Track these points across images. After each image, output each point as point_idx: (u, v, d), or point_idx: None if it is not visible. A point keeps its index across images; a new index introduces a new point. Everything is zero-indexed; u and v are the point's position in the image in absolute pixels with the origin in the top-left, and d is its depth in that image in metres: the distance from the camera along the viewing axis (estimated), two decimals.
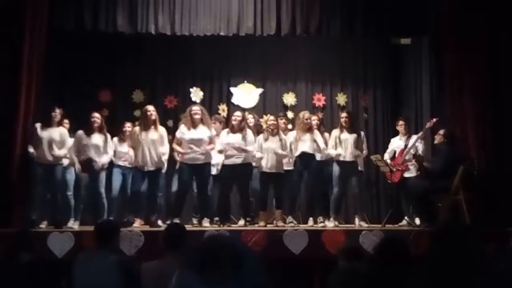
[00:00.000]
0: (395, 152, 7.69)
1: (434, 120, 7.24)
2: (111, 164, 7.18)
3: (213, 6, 7.79)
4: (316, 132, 7.24)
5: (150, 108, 7.10)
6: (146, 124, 6.97)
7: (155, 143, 6.93)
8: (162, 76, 9.40)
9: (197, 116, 6.92)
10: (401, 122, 7.81)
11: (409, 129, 7.79)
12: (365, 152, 7.53)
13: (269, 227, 6.96)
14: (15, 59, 7.03)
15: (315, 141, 7.13)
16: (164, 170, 7.25)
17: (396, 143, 7.75)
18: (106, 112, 8.81)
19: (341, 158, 7.17)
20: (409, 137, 7.54)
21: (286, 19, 7.84)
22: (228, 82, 9.50)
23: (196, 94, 9.36)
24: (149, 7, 7.69)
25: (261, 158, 7.16)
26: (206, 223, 6.88)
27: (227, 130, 7.20)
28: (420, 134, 7.45)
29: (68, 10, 7.62)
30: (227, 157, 7.07)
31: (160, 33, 7.80)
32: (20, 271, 3.94)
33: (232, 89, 9.46)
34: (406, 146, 7.39)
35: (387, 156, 7.78)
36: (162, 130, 7.11)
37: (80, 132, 6.90)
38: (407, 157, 7.31)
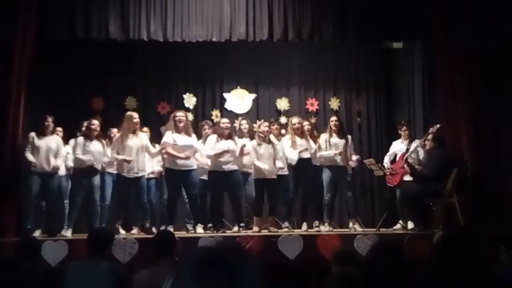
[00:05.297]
0: (395, 155, 7.69)
1: (437, 126, 7.21)
2: (102, 172, 7.16)
3: (205, 12, 7.79)
4: (308, 137, 7.26)
5: (135, 115, 7.07)
6: (128, 131, 6.93)
7: (141, 149, 6.90)
8: (154, 83, 9.39)
9: (182, 124, 6.92)
10: (404, 128, 7.83)
11: (411, 134, 7.80)
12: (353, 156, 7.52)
13: (264, 232, 6.95)
14: (5, 68, 6.99)
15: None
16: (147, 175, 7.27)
17: (398, 146, 7.76)
18: (99, 120, 8.77)
19: (337, 158, 7.16)
20: (411, 141, 7.55)
21: (278, 25, 7.85)
22: (221, 87, 9.51)
23: (189, 100, 9.35)
24: (141, 14, 7.68)
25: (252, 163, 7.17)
26: (200, 229, 6.86)
27: (215, 136, 7.15)
28: (422, 139, 7.43)
29: (59, 18, 7.59)
30: (219, 163, 7.02)
31: (152, 40, 7.79)
32: (22, 281, 3.89)
33: (225, 95, 9.46)
34: (407, 150, 7.39)
35: (387, 159, 7.79)
36: (143, 136, 7.08)
37: (81, 138, 6.91)
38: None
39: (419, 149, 7.32)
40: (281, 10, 7.85)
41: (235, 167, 7.05)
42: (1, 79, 6.97)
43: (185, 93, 9.37)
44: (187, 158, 6.83)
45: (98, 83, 9.18)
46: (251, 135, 7.65)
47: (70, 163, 7.10)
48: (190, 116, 8.66)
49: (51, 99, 8.76)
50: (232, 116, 9.02)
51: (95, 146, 6.89)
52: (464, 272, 2.05)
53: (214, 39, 7.85)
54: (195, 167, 7.00)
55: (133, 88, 9.29)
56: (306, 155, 7.22)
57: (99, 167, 6.91)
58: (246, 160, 7.22)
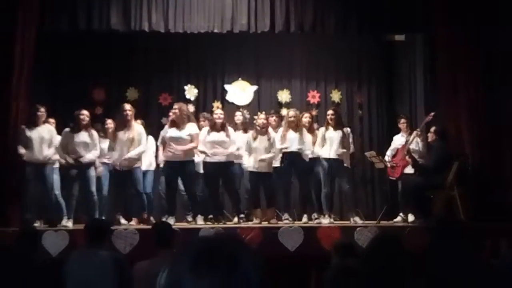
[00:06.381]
0: (397, 150, 7.69)
1: (432, 114, 7.23)
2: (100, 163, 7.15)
3: (207, 3, 7.76)
4: (304, 131, 7.21)
5: (126, 107, 6.99)
6: (122, 123, 6.90)
7: (130, 142, 6.83)
8: (156, 74, 9.37)
9: (174, 116, 6.90)
10: (402, 120, 7.82)
11: (410, 127, 7.79)
12: (351, 148, 7.49)
13: (264, 224, 6.95)
14: (6, 60, 6.97)
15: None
16: (143, 167, 7.23)
17: (399, 141, 7.75)
18: (100, 111, 8.78)
19: (325, 156, 7.14)
20: (410, 134, 7.55)
21: (280, 16, 7.82)
22: (223, 79, 9.50)
23: (191, 91, 9.34)
24: (143, 5, 7.65)
25: (240, 155, 7.15)
26: (200, 220, 6.87)
27: (207, 128, 7.13)
28: (417, 130, 7.45)
29: (61, 10, 7.56)
30: (210, 155, 6.99)
31: (154, 31, 7.77)
32: (23, 270, 3.90)
33: (227, 86, 9.45)
34: (407, 142, 7.39)
35: (389, 153, 7.78)
36: (138, 128, 6.96)
37: (67, 129, 6.83)
38: (405, 153, 7.33)
39: (417, 138, 7.32)
40: (283, 2, 7.81)
41: (226, 158, 6.99)
42: (3, 72, 6.95)
43: (186, 85, 9.36)
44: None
45: (99, 75, 9.15)
46: (245, 128, 7.62)
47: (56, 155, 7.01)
48: (191, 108, 8.65)
49: (53, 91, 8.74)
50: (234, 107, 9.01)
51: (81, 137, 6.76)
52: (452, 264, 2.05)
53: (215, 31, 7.83)
54: (191, 158, 6.98)
55: (134, 79, 9.27)
56: (294, 148, 7.11)
57: (89, 158, 6.77)
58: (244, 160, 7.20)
